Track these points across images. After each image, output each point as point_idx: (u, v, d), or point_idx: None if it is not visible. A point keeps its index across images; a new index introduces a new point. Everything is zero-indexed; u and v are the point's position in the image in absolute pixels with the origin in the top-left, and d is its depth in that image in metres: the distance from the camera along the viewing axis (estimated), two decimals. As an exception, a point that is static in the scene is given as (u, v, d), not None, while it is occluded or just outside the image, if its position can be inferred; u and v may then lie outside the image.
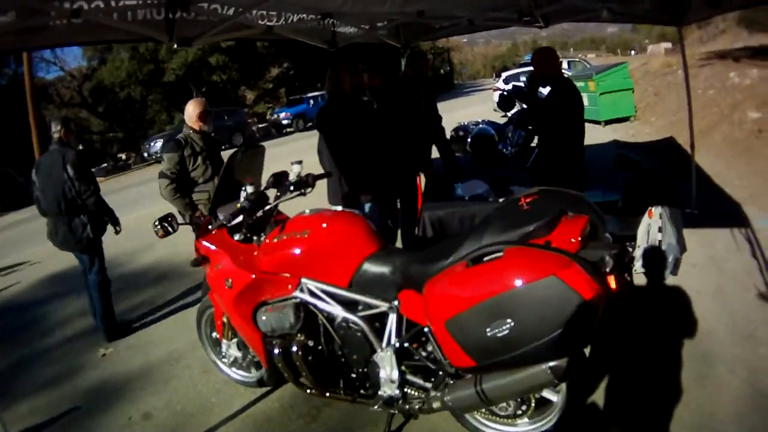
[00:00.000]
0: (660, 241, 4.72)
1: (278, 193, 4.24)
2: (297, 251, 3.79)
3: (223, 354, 4.97)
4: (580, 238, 2.96)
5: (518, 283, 2.75)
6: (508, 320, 2.79)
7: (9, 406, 5.62)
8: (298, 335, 3.88)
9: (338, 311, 3.73)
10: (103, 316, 6.72)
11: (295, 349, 3.86)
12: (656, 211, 4.78)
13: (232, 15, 4.96)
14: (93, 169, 7.58)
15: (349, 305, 3.73)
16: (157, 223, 4.47)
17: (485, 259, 3.00)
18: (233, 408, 4.79)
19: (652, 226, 4.76)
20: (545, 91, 6.38)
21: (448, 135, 12.39)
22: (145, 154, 33.00)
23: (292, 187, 4.19)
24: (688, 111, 8.02)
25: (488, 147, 13.92)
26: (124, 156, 37.55)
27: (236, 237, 4.23)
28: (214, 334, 5.00)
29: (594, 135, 14.92)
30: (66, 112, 42.73)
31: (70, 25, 3.98)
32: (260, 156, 4.84)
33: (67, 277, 9.72)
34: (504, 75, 27.45)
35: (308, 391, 4.05)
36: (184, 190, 6.13)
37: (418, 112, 6.40)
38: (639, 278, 5.28)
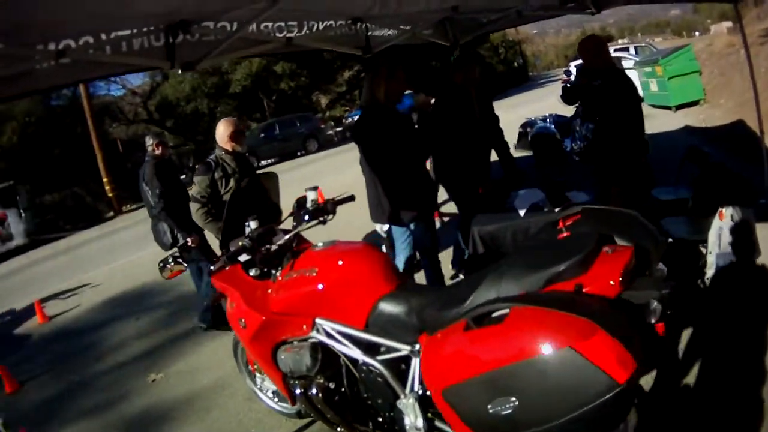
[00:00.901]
0: (731, 245, 4.42)
1: (294, 224, 4.11)
2: (306, 291, 3.63)
3: (259, 386, 4.89)
4: (621, 279, 2.54)
5: (524, 354, 2.35)
6: (512, 398, 2.39)
7: None
8: (318, 377, 3.70)
9: (357, 354, 3.46)
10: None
11: (314, 391, 3.70)
12: (727, 212, 4.50)
13: (237, 30, 4.74)
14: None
15: (370, 347, 3.46)
16: (162, 264, 4.47)
17: (489, 318, 2.62)
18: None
19: (724, 230, 4.48)
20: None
21: (515, 132, 12.16)
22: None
23: (307, 216, 4.04)
24: (753, 92, 7.62)
25: (550, 146, 13.12)
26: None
27: (252, 272, 4.06)
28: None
29: (665, 121, 14.58)
30: (133, 128, 43.98)
31: (59, 66, 3.94)
32: (272, 183, 4.76)
33: (126, 299, 10.08)
34: (572, 65, 27.02)
35: (338, 429, 3.83)
36: (217, 214, 5.98)
37: (472, 119, 6.06)
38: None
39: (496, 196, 6.08)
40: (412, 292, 3.46)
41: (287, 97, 43.30)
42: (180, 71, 5.04)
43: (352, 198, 4.60)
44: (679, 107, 16.81)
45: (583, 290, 2.57)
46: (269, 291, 3.89)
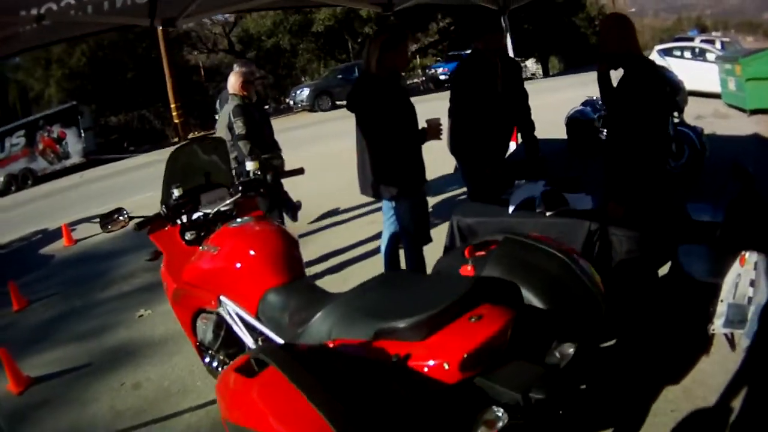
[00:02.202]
0: (749, 298, 3.85)
1: (231, 193, 4.15)
2: (208, 267, 3.66)
3: None
4: (461, 364, 2.17)
5: (251, 425, 2.10)
6: None
7: (40, 353, 6.65)
8: (220, 353, 3.74)
9: (249, 340, 3.40)
10: None
11: (215, 365, 3.77)
12: (750, 258, 3.88)
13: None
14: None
15: (260, 335, 3.34)
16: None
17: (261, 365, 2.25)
18: (210, 396, 4.76)
19: (743, 277, 3.89)
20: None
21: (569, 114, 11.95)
22: (291, 102, 34.00)
23: (240, 188, 4.09)
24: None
25: (585, 132, 11.84)
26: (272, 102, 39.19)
27: (187, 236, 4.02)
28: None
29: (737, 125, 13.90)
30: (213, 57, 44.88)
31: (41, 28, 4.22)
32: (216, 149, 4.61)
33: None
34: (657, 48, 26.30)
35: None
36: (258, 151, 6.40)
37: (493, 92, 5.59)
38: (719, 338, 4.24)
39: (504, 180, 5.66)
40: (297, 291, 3.29)
41: (368, 43, 43.20)
42: (160, 27, 5.22)
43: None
44: (753, 112, 15.54)
45: (407, 362, 2.25)
46: (192, 259, 3.90)
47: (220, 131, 6.87)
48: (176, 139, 27.92)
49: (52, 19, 4.17)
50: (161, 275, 4.30)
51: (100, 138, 31.00)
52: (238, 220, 3.87)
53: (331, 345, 2.51)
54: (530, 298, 2.67)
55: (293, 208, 8.70)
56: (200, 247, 3.86)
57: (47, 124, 26.89)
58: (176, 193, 4.00)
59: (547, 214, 4.27)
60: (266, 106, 34.22)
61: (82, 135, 26.71)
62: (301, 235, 8.43)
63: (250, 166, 4.30)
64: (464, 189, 6.77)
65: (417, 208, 5.29)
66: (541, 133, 6.13)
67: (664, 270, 4.75)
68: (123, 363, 5.99)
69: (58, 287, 9.17)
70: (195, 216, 4.01)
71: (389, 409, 2.07)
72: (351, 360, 2.33)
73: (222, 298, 3.55)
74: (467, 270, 3.01)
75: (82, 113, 27.72)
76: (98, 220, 4.15)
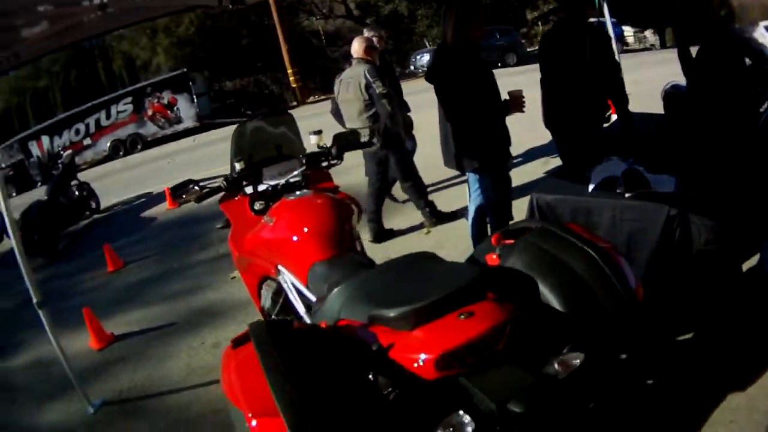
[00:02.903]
0: None
1: (304, 165, 4.21)
2: (266, 238, 3.74)
3: None
4: (436, 362, 2.12)
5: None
6: None
7: (127, 312, 7.26)
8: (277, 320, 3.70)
9: (301, 309, 3.43)
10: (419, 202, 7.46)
11: None
12: None
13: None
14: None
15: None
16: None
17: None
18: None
19: None
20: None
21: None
22: (412, 67, 34.00)
23: (304, 160, 4.18)
24: None
25: (680, 107, 11.58)
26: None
27: (256, 206, 4.12)
28: None
29: None
30: (332, 23, 45.39)
31: (105, 16, 4.42)
32: (284, 122, 4.76)
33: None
34: (762, 23, 24.59)
35: None
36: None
37: (581, 63, 5.42)
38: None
39: (598, 154, 5.28)
40: (340, 265, 3.26)
41: (494, 7, 42.72)
42: (230, 6, 5.39)
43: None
44: None
45: (389, 352, 2.23)
46: (254, 229, 3.97)
47: (348, 94, 7.10)
48: (294, 103, 28.95)
49: (115, 7, 4.43)
50: (228, 243, 4.45)
51: (215, 103, 32.21)
52: (297, 192, 3.93)
53: (340, 324, 2.53)
54: (548, 296, 2.52)
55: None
56: (263, 218, 3.93)
57: (156, 90, 28.20)
58: (238, 166, 4.17)
59: (626, 195, 4.05)
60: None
61: (195, 100, 27.87)
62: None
63: (314, 139, 4.35)
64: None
65: (500, 183, 5.26)
66: (649, 106, 6.13)
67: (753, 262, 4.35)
68: (206, 323, 6.36)
69: (155, 249, 9.82)
70: (263, 187, 4.13)
71: (355, 398, 2.08)
72: (334, 343, 2.36)
73: (280, 267, 3.62)
74: (492, 259, 2.87)
75: (193, 80, 28.86)
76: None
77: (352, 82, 6.97)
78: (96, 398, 5.27)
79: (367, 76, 6.74)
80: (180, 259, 8.88)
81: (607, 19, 8.21)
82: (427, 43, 39.72)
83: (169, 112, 27.80)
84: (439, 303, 2.25)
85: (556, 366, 2.16)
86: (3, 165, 28.25)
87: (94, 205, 13.97)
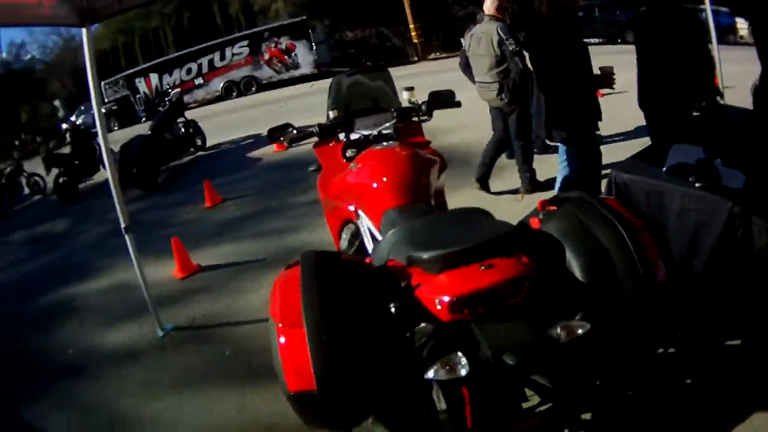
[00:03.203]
0: None
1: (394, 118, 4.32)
2: (349, 183, 3.86)
3: None
4: (450, 306, 2.29)
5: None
6: None
7: (218, 245, 7.22)
8: None
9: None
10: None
11: None
12: None
13: None
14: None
15: None
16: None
17: None
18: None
19: None
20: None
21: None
22: None
23: (395, 113, 4.29)
24: None
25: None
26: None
27: (348, 153, 4.27)
28: None
29: None
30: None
31: None
32: (381, 77, 4.82)
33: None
34: None
35: None
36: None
37: (672, 47, 5.29)
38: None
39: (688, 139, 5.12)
40: (409, 213, 3.39)
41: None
42: None
43: (456, 104, 4.65)
44: None
45: (415, 291, 2.43)
46: (341, 174, 4.13)
47: (479, 49, 6.98)
48: (415, 59, 28.90)
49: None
50: (317, 185, 4.57)
51: (335, 52, 32.38)
52: (384, 143, 4.03)
53: (388, 264, 2.66)
54: (572, 263, 2.62)
55: None
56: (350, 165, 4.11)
57: (274, 35, 28.41)
58: (331, 115, 4.38)
59: (696, 185, 3.94)
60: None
61: (314, 47, 28.13)
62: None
63: (405, 95, 4.70)
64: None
65: (587, 155, 5.30)
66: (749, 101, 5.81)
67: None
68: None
69: (255, 188, 9.79)
70: (356, 136, 4.24)
71: (372, 326, 2.31)
72: (370, 276, 2.59)
73: (359, 211, 3.77)
74: (535, 222, 2.98)
75: (313, 27, 29.14)
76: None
77: (483, 37, 6.84)
78: (168, 323, 5.33)
79: (500, 33, 6.61)
80: (279, 200, 8.83)
81: (707, 6, 8.06)
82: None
83: (286, 57, 28.12)
84: (466, 252, 2.41)
85: (559, 330, 2.23)
86: (106, 100, 29.49)
87: (199, 142, 14.22)
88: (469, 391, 2.23)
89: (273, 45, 27.86)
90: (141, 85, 28.92)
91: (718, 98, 5.56)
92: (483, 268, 2.34)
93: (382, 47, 33.43)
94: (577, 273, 2.56)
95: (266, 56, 28.00)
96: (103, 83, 30.37)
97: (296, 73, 27.57)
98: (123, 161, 11.71)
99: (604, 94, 7.20)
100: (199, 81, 28.45)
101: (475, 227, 2.72)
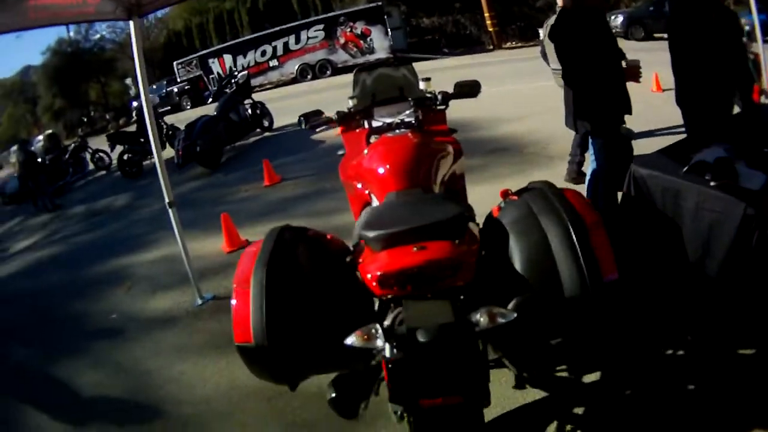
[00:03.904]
0: None
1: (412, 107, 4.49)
2: (363, 167, 3.98)
3: None
4: (378, 281, 2.52)
5: None
6: None
7: (269, 222, 7.03)
8: None
9: None
10: None
11: None
12: None
13: None
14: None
15: None
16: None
17: None
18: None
19: None
20: None
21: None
22: None
23: (412, 103, 4.42)
24: None
25: None
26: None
27: (372, 139, 4.36)
28: None
29: None
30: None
31: None
32: (404, 68, 5.02)
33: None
34: None
35: None
36: None
37: (707, 44, 5.18)
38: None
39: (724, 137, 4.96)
40: (405, 198, 3.46)
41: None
42: None
43: (472, 94, 4.68)
44: None
45: (358, 266, 2.69)
46: (357, 158, 4.27)
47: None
48: (491, 47, 28.84)
49: None
50: (339, 169, 4.68)
51: (412, 38, 32.56)
52: (398, 130, 4.23)
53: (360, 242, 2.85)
54: (512, 253, 2.74)
55: None
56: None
57: (350, 20, 28.82)
58: (350, 103, 4.62)
59: (711, 183, 3.84)
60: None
61: (389, 33, 28.34)
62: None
63: (422, 86, 4.62)
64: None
65: (611, 148, 5.24)
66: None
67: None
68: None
69: (314, 170, 9.99)
70: (378, 123, 4.41)
71: (314, 294, 2.69)
72: (326, 251, 3.00)
73: (371, 194, 3.87)
74: (495, 211, 3.08)
75: (389, 13, 29.35)
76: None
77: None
78: (207, 293, 5.58)
79: None
80: (333, 181, 8.82)
81: (752, 5, 7.48)
82: (623, 6, 38.65)
83: (361, 42, 28.50)
84: (403, 233, 2.62)
85: (480, 315, 2.34)
86: (179, 79, 30.76)
87: (267, 123, 14.54)
88: (385, 362, 2.36)
89: (348, 29, 28.25)
90: (215, 65, 29.75)
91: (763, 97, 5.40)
92: (415, 249, 2.53)
93: (458, 35, 33.58)
94: (516, 263, 2.68)
95: (341, 40, 28.45)
96: (175, 63, 32.02)
97: (371, 58, 27.65)
98: (187, 140, 12.20)
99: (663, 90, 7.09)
100: (273, 63, 29.04)
101: (426, 211, 2.87)
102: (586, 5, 5.02)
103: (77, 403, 4.77)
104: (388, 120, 4.43)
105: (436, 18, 34.72)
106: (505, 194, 3.16)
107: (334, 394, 2.60)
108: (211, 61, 29.95)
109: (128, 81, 42.09)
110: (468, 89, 4.52)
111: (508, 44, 29.01)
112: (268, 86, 27.32)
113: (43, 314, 6.97)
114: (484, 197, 6.22)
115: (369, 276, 2.54)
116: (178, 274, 6.01)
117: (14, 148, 19.34)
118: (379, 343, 2.30)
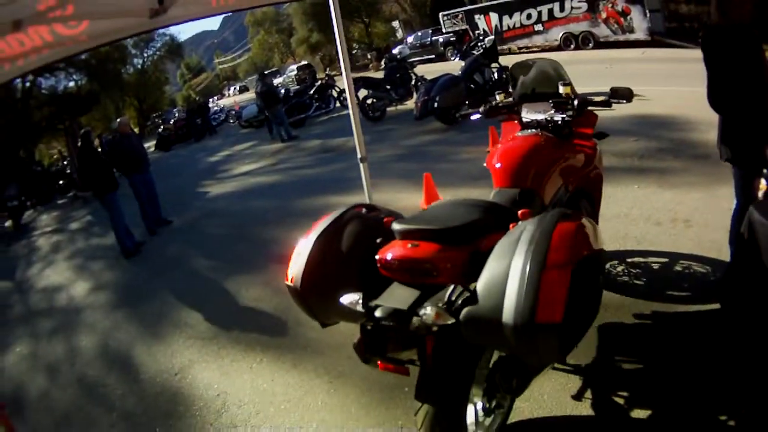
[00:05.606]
0: None
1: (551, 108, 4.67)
2: (490, 159, 4.33)
3: None
4: (379, 263, 3.12)
5: None
6: None
7: (476, 187, 7.41)
8: None
9: None
10: None
11: None
12: None
13: None
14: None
15: None
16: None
17: None
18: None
19: None
20: None
21: None
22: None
23: (552, 102, 4.63)
24: None
25: None
26: None
27: (519, 134, 4.62)
28: None
29: None
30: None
31: None
32: (552, 66, 4.97)
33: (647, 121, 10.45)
34: None
35: None
36: None
37: (755, 65, 4.74)
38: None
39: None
40: (501, 196, 3.99)
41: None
42: None
43: (607, 104, 4.64)
44: None
45: (379, 247, 3.24)
46: (492, 150, 4.59)
47: None
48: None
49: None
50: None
51: (670, 22, 31.00)
52: (528, 130, 4.51)
53: None
54: (485, 271, 2.81)
55: None
56: None
57: (615, -6, 28.31)
58: (498, 98, 4.98)
59: None
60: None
61: (647, 14, 27.26)
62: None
63: (561, 89, 4.61)
64: None
65: (748, 179, 4.78)
66: None
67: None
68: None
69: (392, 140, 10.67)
70: (528, 119, 4.67)
71: (345, 266, 3.32)
72: (367, 232, 3.45)
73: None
74: (511, 226, 3.16)
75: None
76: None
77: None
78: None
79: None
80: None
81: None
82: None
83: (622, 19, 27.66)
84: (413, 232, 3.15)
85: (428, 310, 2.74)
86: (444, 30, 31.75)
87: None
88: (361, 325, 3.12)
89: (610, 5, 27.57)
90: (480, 21, 30.30)
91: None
92: (410, 246, 3.08)
93: (718, 24, 31.74)
94: (482, 280, 2.79)
95: (603, 15, 27.85)
96: (441, 14, 33.26)
97: (631, 36, 27.20)
98: (426, 95, 12.71)
99: None
100: (538, 27, 29.08)
101: (448, 217, 3.29)
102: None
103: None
104: (539, 117, 4.63)
105: (693, 5, 33.02)
106: (525, 216, 3.39)
107: (354, 342, 3.19)
108: (477, 16, 30.43)
109: (395, 24, 43.20)
110: (607, 100, 4.54)
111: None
112: (534, 49, 27.83)
113: (239, 233, 8.07)
114: (659, 207, 6.34)
115: (377, 257, 3.11)
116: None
117: (256, 76, 20.49)
118: (359, 308, 2.95)
